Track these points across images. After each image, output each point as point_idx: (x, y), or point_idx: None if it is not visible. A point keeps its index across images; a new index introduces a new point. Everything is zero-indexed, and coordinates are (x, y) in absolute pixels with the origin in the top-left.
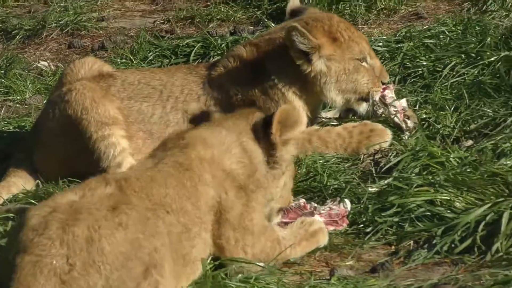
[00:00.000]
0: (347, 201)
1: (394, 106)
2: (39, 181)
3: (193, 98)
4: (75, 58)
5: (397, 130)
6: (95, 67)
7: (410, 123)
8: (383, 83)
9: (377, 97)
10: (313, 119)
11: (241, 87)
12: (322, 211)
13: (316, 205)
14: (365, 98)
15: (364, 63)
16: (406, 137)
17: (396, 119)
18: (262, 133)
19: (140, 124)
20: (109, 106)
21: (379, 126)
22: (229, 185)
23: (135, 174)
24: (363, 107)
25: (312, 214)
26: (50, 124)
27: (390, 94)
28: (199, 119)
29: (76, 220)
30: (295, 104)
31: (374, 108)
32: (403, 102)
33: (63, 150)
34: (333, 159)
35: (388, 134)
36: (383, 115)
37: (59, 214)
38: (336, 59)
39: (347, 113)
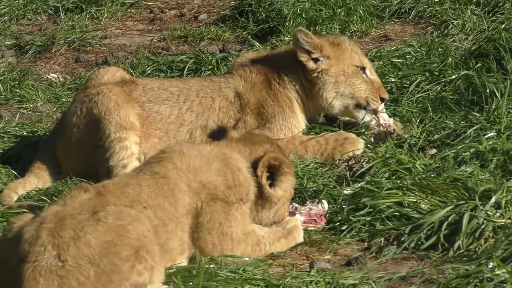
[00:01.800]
0: (324, 202)
1: (383, 118)
2: (51, 180)
3: (208, 101)
4: (81, 71)
5: (371, 138)
6: (118, 74)
7: (393, 133)
8: (382, 100)
9: (374, 107)
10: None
11: (253, 93)
12: (302, 211)
13: (297, 205)
14: (363, 106)
15: (363, 74)
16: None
17: (383, 127)
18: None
19: (158, 123)
20: (130, 111)
21: (352, 135)
22: (205, 196)
23: (113, 181)
24: (362, 114)
25: (293, 213)
26: (75, 120)
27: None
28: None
29: (62, 226)
30: (296, 111)
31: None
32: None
33: (83, 143)
34: (312, 164)
35: (360, 143)
36: (374, 124)
37: (48, 224)
38: (336, 63)
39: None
